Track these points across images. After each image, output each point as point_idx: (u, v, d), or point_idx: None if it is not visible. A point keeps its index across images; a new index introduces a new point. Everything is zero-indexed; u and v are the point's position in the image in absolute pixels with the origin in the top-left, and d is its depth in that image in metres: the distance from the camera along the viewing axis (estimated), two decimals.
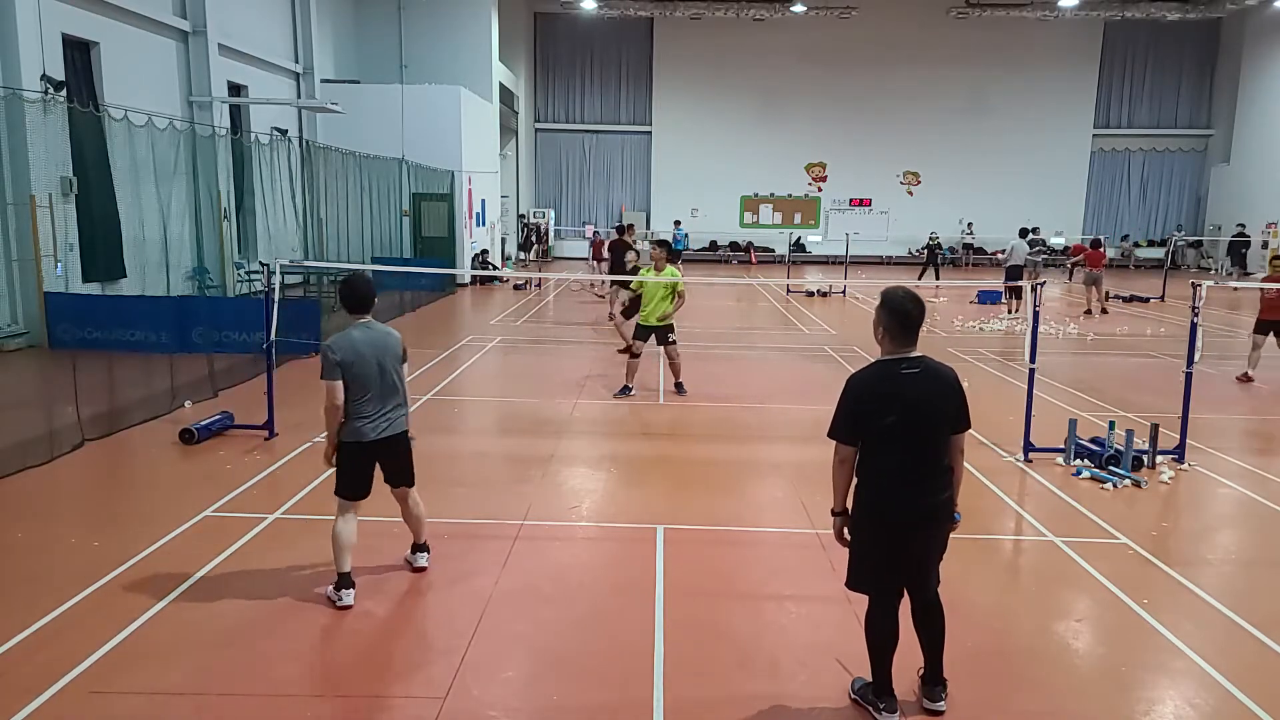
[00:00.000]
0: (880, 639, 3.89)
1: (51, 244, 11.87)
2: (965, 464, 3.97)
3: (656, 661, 4.42)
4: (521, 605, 5.00)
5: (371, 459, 5.06)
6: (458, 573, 5.42)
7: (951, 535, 3.94)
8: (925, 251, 26.16)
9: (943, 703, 3.95)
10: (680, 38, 34.70)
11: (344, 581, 4.93)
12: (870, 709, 3.93)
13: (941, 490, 3.78)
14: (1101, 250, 19.71)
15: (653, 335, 10.25)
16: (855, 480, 3.85)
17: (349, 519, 5.00)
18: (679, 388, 10.49)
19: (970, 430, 3.88)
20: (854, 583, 3.96)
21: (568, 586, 5.29)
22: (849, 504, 3.92)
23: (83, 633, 4.53)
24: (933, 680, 3.98)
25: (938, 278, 24.93)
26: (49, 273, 11.85)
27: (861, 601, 4.05)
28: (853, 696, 4.04)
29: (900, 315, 3.73)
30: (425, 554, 5.47)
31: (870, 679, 3.97)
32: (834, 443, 3.86)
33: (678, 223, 31.14)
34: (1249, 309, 20.47)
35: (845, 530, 3.95)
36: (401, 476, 5.25)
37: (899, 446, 3.71)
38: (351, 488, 5.03)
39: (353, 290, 5.02)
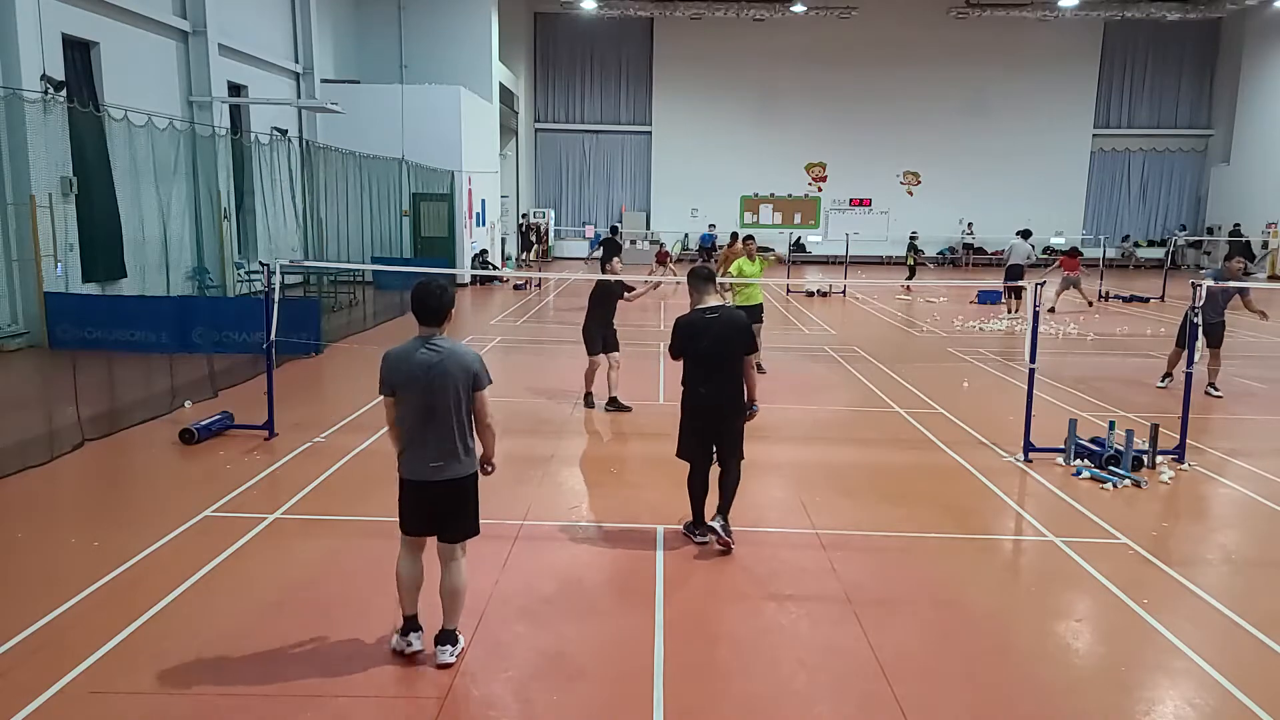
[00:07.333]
0: (696, 490, 5.89)
1: (51, 244, 11.87)
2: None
3: (656, 661, 4.42)
4: (521, 605, 5.00)
5: (417, 498, 4.33)
6: None
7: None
8: (909, 254, 25.45)
9: (725, 525, 5.75)
10: (680, 38, 34.69)
11: (407, 625, 4.35)
12: (691, 536, 5.93)
13: (736, 386, 5.78)
14: (1076, 258, 20.17)
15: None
16: (683, 386, 5.84)
17: (404, 556, 4.37)
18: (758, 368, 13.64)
19: (759, 353, 6.27)
20: (681, 452, 5.93)
21: (568, 586, 5.29)
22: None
23: (83, 633, 4.53)
24: (723, 513, 5.78)
25: (912, 276, 24.13)
26: (49, 273, 11.85)
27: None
28: (683, 532, 6.00)
29: (695, 278, 5.90)
30: (450, 647, 4.29)
31: (690, 519, 5.97)
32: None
33: (712, 225, 34.26)
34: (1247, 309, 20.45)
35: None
36: (441, 529, 4.35)
37: (707, 362, 5.72)
38: (401, 520, 4.38)
39: (415, 296, 4.25)
